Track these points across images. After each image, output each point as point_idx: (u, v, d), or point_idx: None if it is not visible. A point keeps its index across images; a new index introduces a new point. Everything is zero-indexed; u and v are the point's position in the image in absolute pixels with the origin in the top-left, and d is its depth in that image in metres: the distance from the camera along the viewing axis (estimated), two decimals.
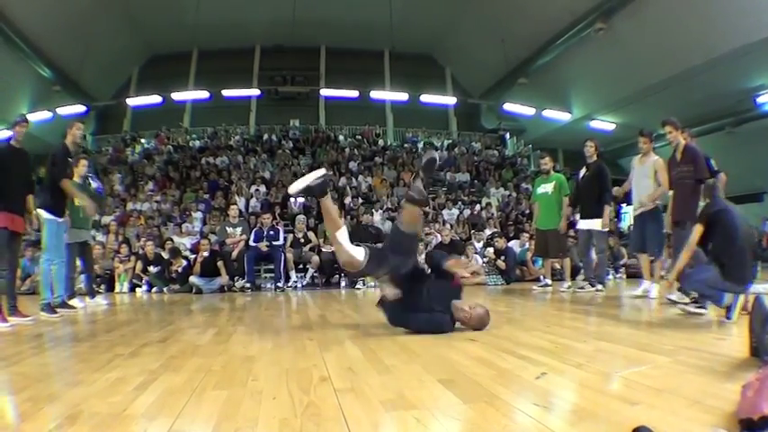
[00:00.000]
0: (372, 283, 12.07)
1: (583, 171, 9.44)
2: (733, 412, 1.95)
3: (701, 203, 5.89)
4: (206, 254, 11.68)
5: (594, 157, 9.30)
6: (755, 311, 3.02)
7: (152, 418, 2.11)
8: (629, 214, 10.56)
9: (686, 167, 6.92)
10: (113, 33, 24.95)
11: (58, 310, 6.89)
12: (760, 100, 22.06)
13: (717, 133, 22.35)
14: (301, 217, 13.93)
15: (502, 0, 24.13)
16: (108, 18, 23.70)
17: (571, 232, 10.76)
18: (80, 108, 24.32)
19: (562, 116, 27.84)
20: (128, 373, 2.98)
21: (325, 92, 28.37)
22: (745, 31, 17.04)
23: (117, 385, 2.70)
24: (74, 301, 7.70)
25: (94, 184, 8.90)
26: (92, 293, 8.85)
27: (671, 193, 7.32)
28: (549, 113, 27.64)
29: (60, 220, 7.16)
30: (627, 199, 8.98)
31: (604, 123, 27.81)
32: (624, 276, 13.76)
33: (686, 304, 5.78)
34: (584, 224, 9.23)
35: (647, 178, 8.04)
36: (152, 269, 11.99)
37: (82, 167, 8.30)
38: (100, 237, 13.38)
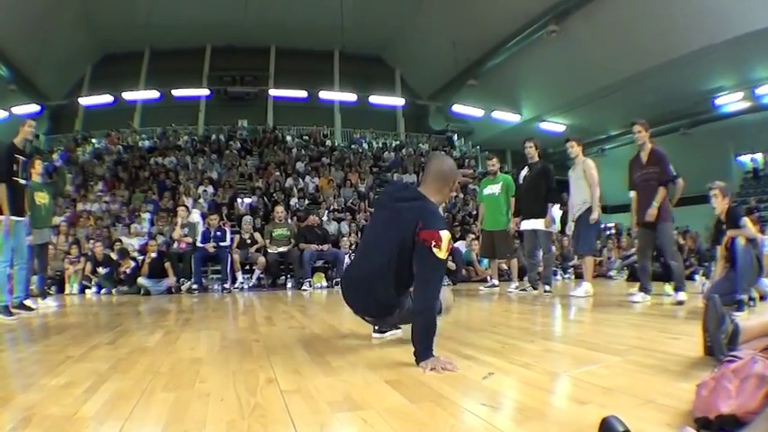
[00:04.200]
0: (319, 285, 12.21)
1: (524, 171, 9.35)
2: (688, 411, 1.95)
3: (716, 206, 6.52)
4: (154, 255, 11.65)
5: (537, 158, 9.24)
6: (709, 311, 2.99)
7: (102, 421, 2.11)
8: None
9: (653, 169, 6.92)
10: (68, 32, 24.68)
11: (15, 311, 6.85)
12: (718, 101, 22.58)
13: (671, 135, 22.71)
14: (248, 218, 13.92)
15: (454, 2, 24.27)
16: (64, 16, 23.42)
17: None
18: (34, 107, 24.08)
19: (511, 118, 28.20)
20: (78, 376, 2.96)
21: (273, 92, 28.48)
22: (706, 32, 17.50)
23: (68, 388, 2.67)
24: (27, 302, 7.60)
25: (58, 162, 8.67)
26: (43, 295, 8.81)
27: (632, 194, 7.27)
28: (499, 115, 28.03)
29: (16, 219, 7.10)
30: None
31: (555, 125, 28.14)
32: (573, 277, 13.88)
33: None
34: (528, 224, 9.16)
35: (580, 180, 8.17)
36: (101, 270, 11.91)
37: (39, 167, 8.34)
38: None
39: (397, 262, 3.42)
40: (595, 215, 7.97)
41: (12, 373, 3.36)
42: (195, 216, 13.65)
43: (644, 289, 7.06)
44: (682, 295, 6.49)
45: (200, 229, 12.62)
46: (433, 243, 3.19)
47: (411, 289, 3.49)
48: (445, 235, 3.23)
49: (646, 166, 6.99)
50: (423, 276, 3.28)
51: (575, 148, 8.40)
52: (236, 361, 3.41)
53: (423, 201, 3.52)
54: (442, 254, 3.22)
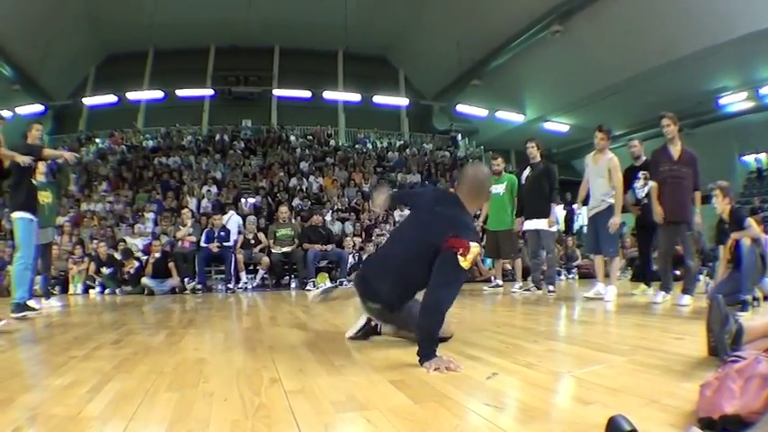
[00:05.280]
0: (322, 285, 12.17)
1: (527, 172, 9.31)
2: (691, 411, 1.95)
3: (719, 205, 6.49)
4: (158, 255, 11.67)
5: (539, 158, 9.20)
6: (713, 311, 2.98)
7: (106, 421, 2.10)
8: (582, 215, 10.42)
9: (685, 168, 6.79)
10: (72, 32, 24.63)
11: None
12: (722, 101, 22.54)
13: None
14: (252, 218, 13.93)
15: (458, 2, 24.20)
16: (68, 16, 23.38)
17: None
18: (38, 107, 24.17)
19: (515, 118, 28.17)
20: (82, 376, 2.93)
21: (277, 92, 28.42)
22: (710, 32, 17.45)
23: (72, 388, 2.65)
24: (30, 302, 7.56)
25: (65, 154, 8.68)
26: (47, 295, 8.79)
27: (653, 184, 7.07)
28: (503, 115, 28.05)
29: (33, 217, 7.13)
30: (584, 199, 8.80)
31: (559, 125, 28.14)
32: (577, 277, 13.86)
33: None
34: (531, 224, 9.12)
35: (600, 177, 7.93)
36: (105, 270, 11.92)
37: (42, 166, 8.36)
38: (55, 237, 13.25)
39: (416, 260, 3.39)
40: (617, 221, 7.89)
41: (16, 372, 3.34)
42: (235, 218, 13.65)
43: (665, 288, 6.97)
44: (687, 299, 6.41)
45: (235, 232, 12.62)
46: (461, 251, 3.16)
47: (417, 296, 3.45)
48: (474, 247, 3.21)
49: (677, 162, 6.84)
50: (441, 279, 3.24)
51: (605, 141, 8.10)
52: (240, 361, 3.40)
53: (461, 211, 3.53)
54: (465, 263, 3.19)
